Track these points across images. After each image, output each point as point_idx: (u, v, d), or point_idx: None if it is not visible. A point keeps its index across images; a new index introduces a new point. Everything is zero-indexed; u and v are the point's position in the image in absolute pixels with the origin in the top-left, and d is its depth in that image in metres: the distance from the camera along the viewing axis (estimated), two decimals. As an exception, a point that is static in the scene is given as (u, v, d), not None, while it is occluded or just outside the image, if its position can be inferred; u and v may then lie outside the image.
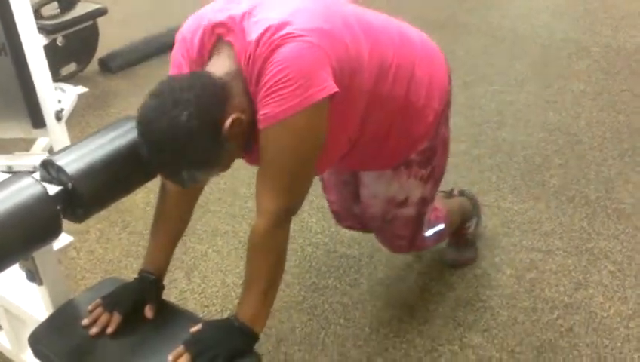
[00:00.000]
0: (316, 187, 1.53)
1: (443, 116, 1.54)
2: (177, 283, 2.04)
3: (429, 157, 1.56)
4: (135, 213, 2.38)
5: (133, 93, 3.33)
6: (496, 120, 2.82)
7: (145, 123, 1.16)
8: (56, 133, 2.57)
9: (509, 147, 2.62)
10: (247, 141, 1.25)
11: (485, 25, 3.76)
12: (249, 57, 1.18)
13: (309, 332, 1.85)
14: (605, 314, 1.82)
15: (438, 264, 2.05)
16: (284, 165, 1.24)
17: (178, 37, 1.34)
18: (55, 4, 3.38)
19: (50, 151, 2.85)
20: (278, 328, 1.85)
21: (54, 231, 1.17)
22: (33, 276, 1.33)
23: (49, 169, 1.19)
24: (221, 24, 1.24)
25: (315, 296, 1.97)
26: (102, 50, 3.67)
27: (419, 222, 1.68)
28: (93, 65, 3.69)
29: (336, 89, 1.19)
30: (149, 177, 1.30)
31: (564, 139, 2.64)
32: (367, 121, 1.37)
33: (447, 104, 1.54)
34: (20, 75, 2.47)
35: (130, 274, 2.02)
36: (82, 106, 3.21)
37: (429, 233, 1.76)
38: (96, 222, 2.32)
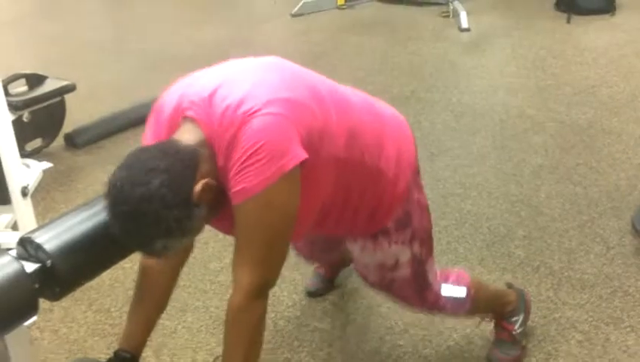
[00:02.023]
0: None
1: (413, 183, 1.57)
2: (145, 361, 1.99)
3: (406, 223, 1.57)
4: (101, 290, 2.33)
5: (100, 168, 3.32)
6: (459, 192, 2.90)
7: (115, 193, 1.16)
8: (22, 210, 2.54)
9: (474, 218, 2.69)
10: (216, 206, 1.26)
11: (445, 101, 3.91)
12: (215, 133, 1.21)
13: (284, 410, 1.81)
14: (577, 384, 1.84)
15: (411, 335, 2.05)
16: (259, 238, 1.26)
17: (154, 109, 1.38)
18: (23, 80, 3.40)
19: (14, 228, 2.80)
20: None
21: (31, 311, 1.15)
22: (3, 357, 1.29)
23: (27, 246, 1.18)
24: (189, 103, 1.26)
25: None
26: (68, 125, 3.68)
27: (420, 280, 1.65)
28: (59, 141, 3.68)
29: (305, 156, 1.22)
30: (127, 253, 1.29)
31: (526, 210, 2.73)
32: (340, 187, 1.39)
33: (416, 172, 1.58)
34: (-14, 152, 2.46)
35: (96, 354, 1.97)
36: (47, 182, 3.17)
37: (445, 292, 1.71)
38: (61, 301, 2.26)
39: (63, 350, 2.05)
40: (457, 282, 1.74)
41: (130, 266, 2.20)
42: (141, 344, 1.38)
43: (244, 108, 1.20)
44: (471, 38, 5.17)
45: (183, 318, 2.18)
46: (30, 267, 1.14)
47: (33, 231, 1.21)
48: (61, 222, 1.23)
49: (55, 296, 1.19)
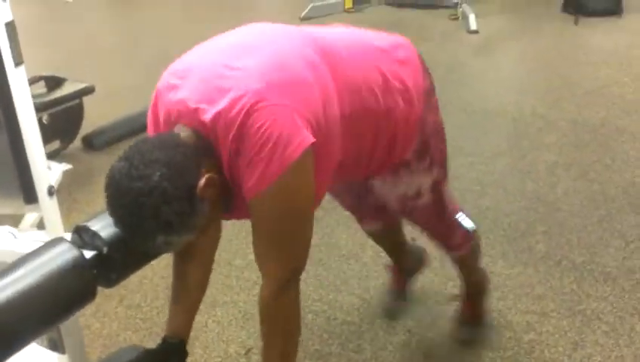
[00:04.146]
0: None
1: (426, 106, 1.50)
2: (178, 355, 2.02)
3: (424, 149, 1.54)
4: (130, 286, 2.36)
5: (119, 169, 3.35)
6: (477, 189, 2.94)
7: (115, 186, 1.12)
8: (48, 209, 2.57)
9: (493, 215, 2.72)
10: (225, 202, 1.23)
11: (457, 101, 3.95)
12: (214, 132, 1.17)
13: (317, 400, 1.84)
14: (604, 373, 1.88)
15: (438, 328, 2.08)
16: (279, 229, 1.24)
17: (149, 113, 1.34)
18: (42, 82, 3.44)
19: (40, 226, 2.82)
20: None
21: (89, 297, 1.18)
22: (55, 344, 1.32)
23: (82, 234, 1.22)
24: (177, 114, 1.22)
25: (319, 364, 1.98)
26: (85, 127, 3.72)
27: (439, 204, 1.67)
28: (76, 143, 3.72)
29: (312, 139, 1.17)
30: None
31: (544, 207, 2.76)
32: (351, 140, 1.33)
33: (427, 92, 1.51)
34: (14, 152, 2.49)
35: (130, 347, 1.99)
36: (68, 183, 3.21)
37: (460, 217, 1.74)
38: (91, 297, 2.29)
39: (97, 344, 2.08)
40: (466, 220, 1.78)
41: (156, 263, 2.22)
42: (187, 330, 1.40)
43: (238, 106, 1.14)
44: (480, 40, 5.22)
45: (213, 313, 2.21)
46: (88, 254, 1.17)
47: (88, 220, 1.24)
48: (114, 211, 1.26)
49: (110, 283, 1.22)
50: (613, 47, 4.80)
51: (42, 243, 1.19)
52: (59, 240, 1.17)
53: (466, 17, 5.44)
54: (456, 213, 1.74)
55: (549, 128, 3.55)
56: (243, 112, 1.14)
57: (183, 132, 1.20)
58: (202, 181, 1.14)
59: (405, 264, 2.15)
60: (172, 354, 1.33)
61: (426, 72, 1.53)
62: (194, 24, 6.28)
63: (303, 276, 1.39)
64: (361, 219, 1.91)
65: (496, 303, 2.18)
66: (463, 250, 1.83)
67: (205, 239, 1.38)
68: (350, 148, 1.34)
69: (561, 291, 2.23)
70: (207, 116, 1.16)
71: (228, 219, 1.38)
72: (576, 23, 5.32)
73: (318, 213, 1.37)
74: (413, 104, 1.44)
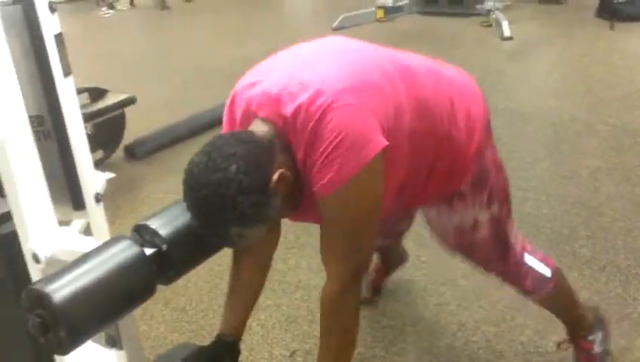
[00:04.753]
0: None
1: (485, 142, 1.52)
2: (224, 357, 2.04)
3: (481, 183, 1.53)
4: (175, 290, 2.41)
5: (160, 179, 3.43)
6: (518, 195, 2.91)
7: (193, 178, 1.16)
8: (95, 215, 2.63)
9: (535, 220, 2.70)
10: (294, 200, 1.27)
11: (494, 107, 3.89)
12: (291, 128, 1.21)
13: (363, 402, 1.85)
14: (655, 377, 1.84)
15: (483, 332, 2.07)
16: (347, 229, 1.27)
17: (226, 110, 1.38)
18: (86, 94, 3.54)
19: (87, 232, 2.89)
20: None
21: (148, 293, 1.21)
22: (113, 341, 1.35)
23: (142, 232, 1.25)
24: (257, 106, 1.27)
25: (364, 367, 1.99)
26: (127, 138, 3.80)
27: (501, 241, 1.60)
28: (118, 152, 3.81)
29: (386, 143, 1.21)
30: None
31: (587, 211, 2.73)
32: (413, 159, 1.37)
33: (487, 130, 1.53)
34: (63, 160, 2.57)
35: (177, 349, 2.03)
36: (111, 191, 3.27)
37: (529, 262, 1.65)
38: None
39: (146, 346, 2.12)
40: (544, 261, 1.69)
41: (201, 268, 2.26)
42: (241, 329, 1.42)
43: (319, 102, 1.19)
44: (513, 46, 5.20)
45: (257, 316, 2.23)
46: (148, 251, 1.21)
47: (147, 219, 1.27)
48: (171, 210, 1.29)
49: (169, 280, 1.25)
50: (651, 52, 4.74)
51: (104, 242, 1.23)
52: (120, 238, 1.21)
53: (499, 24, 5.43)
54: (525, 255, 1.65)
55: (589, 132, 3.51)
56: (322, 109, 1.18)
57: (260, 127, 1.24)
58: (276, 176, 1.18)
59: (388, 261, 2.24)
60: (225, 352, 1.35)
61: (485, 109, 1.55)
62: (226, 40, 6.39)
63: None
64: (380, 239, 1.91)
65: (541, 308, 2.16)
66: (537, 295, 1.73)
67: (264, 241, 1.43)
68: (411, 166, 1.38)
69: (607, 295, 2.20)
70: (288, 110, 1.21)
71: (294, 219, 1.41)
72: (612, 27, 5.27)
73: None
74: (473, 135, 1.46)
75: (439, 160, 1.43)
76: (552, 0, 6.45)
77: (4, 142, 1.38)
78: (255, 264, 1.47)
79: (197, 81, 5.13)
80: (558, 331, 2.03)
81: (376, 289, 2.27)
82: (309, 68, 1.28)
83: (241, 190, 1.15)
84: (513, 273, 1.67)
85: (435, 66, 1.50)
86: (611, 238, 2.53)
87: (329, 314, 1.33)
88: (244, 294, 1.46)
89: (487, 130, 1.53)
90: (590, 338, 1.82)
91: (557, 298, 1.76)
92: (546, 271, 1.68)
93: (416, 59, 1.47)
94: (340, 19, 6.25)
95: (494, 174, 1.56)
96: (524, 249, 1.66)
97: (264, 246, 1.47)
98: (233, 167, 1.14)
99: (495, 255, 1.63)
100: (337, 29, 6.22)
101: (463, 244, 1.62)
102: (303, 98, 1.20)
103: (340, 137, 1.17)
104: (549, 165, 3.18)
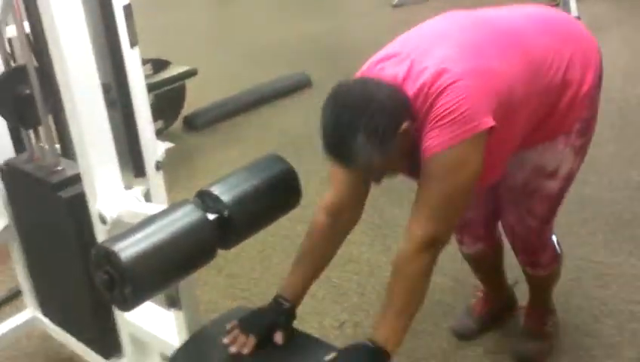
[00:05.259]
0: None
1: (596, 91, 1.56)
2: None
3: (587, 126, 1.59)
4: (228, 257, 2.46)
5: (218, 150, 3.50)
6: (579, 177, 2.81)
7: (345, 89, 1.29)
8: (155, 182, 2.72)
9: (596, 203, 2.64)
10: (408, 160, 1.35)
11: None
12: (417, 101, 1.31)
13: (412, 376, 1.87)
14: None
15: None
16: (440, 193, 1.31)
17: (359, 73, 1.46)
18: (149, 65, 3.62)
19: (147, 198, 3.00)
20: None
21: (210, 256, 1.25)
22: (173, 301, 1.41)
23: (204, 198, 1.29)
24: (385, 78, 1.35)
25: (413, 340, 1.99)
26: (186, 109, 3.89)
27: (557, 203, 1.66)
28: (178, 123, 3.90)
29: (493, 123, 1.29)
30: (292, 206, 1.39)
31: (651, 197, 2.65)
32: (528, 118, 1.45)
33: (599, 78, 1.56)
34: (127, 128, 2.65)
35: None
36: (170, 160, 3.35)
37: (554, 237, 1.77)
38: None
39: (200, 310, 2.19)
40: (556, 241, 1.80)
41: (254, 237, 2.32)
42: (301, 295, 1.43)
43: (439, 82, 1.29)
44: (581, 25, 5.02)
45: (309, 287, 2.27)
46: (211, 216, 1.25)
47: (210, 185, 1.31)
48: (233, 177, 1.33)
49: (229, 245, 1.29)
50: None
51: (169, 205, 1.27)
52: (185, 203, 1.25)
53: (567, 3, 5.24)
54: (552, 233, 1.76)
55: (658, 117, 3.39)
56: (442, 87, 1.29)
57: None
58: (405, 124, 1.29)
59: (496, 299, 2.05)
60: (280, 316, 1.38)
61: (599, 53, 1.58)
62: (286, 16, 6.40)
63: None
64: (461, 240, 1.89)
65: (597, 291, 2.13)
66: (547, 270, 1.81)
67: (346, 215, 1.47)
68: (526, 125, 1.46)
69: (669, 283, 2.14)
70: (413, 89, 1.32)
71: (408, 175, 1.45)
72: (686, 7, 5.01)
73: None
74: (586, 77, 1.51)
75: (556, 106, 1.49)
76: (623, -22, 6.18)
77: (77, 107, 1.44)
78: (332, 235, 1.48)
79: (258, 55, 5.16)
80: (615, 314, 2.00)
81: (477, 319, 2.04)
82: (432, 48, 1.37)
83: (383, 108, 1.26)
84: (543, 241, 1.75)
85: (546, 15, 1.58)
86: (676, 225, 2.45)
87: (398, 274, 1.33)
88: (312, 262, 1.47)
89: (600, 76, 1.56)
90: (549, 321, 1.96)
91: (555, 278, 1.88)
92: (559, 250, 1.80)
93: (526, 16, 1.54)
94: (400, -5, 6.17)
95: (592, 127, 1.61)
96: (552, 227, 1.74)
97: (345, 219, 1.48)
98: (383, 93, 1.28)
99: (548, 213, 1.67)
100: (398, 6, 6.15)
101: (526, 187, 1.62)
102: (425, 77, 1.31)
103: (452, 109, 1.27)
104: (614, 148, 3.08)
